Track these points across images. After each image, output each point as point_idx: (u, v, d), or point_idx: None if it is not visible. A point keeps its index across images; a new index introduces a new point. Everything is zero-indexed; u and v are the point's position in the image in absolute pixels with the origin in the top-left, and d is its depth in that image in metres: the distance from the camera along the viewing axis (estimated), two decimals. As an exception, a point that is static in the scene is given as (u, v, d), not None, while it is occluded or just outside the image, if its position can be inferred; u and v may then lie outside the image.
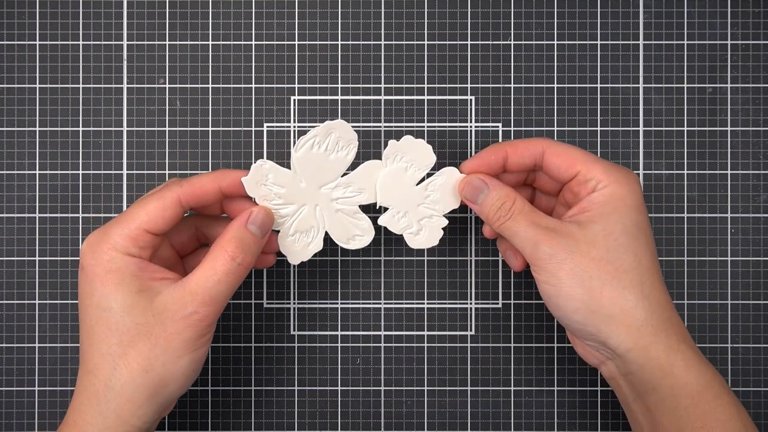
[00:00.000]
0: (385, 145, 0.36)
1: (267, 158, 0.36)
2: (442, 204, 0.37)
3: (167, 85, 0.41)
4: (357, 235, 0.37)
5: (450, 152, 0.41)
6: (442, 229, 0.38)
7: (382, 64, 0.42)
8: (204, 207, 0.36)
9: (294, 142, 0.41)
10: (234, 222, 0.34)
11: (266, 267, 0.38)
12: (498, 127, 0.42)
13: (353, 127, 0.36)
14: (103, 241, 0.33)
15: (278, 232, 0.36)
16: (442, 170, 0.37)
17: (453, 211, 0.37)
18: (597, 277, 0.33)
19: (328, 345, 0.42)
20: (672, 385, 0.33)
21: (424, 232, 0.38)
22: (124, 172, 0.41)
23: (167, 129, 0.41)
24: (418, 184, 0.37)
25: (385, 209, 0.37)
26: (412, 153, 0.36)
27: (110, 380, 0.32)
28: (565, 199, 0.36)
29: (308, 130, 0.35)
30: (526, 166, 0.36)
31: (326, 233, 0.37)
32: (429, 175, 0.37)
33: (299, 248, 0.37)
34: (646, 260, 0.33)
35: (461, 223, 0.42)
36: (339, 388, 0.42)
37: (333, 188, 0.36)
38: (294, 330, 0.42)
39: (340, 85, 0.41)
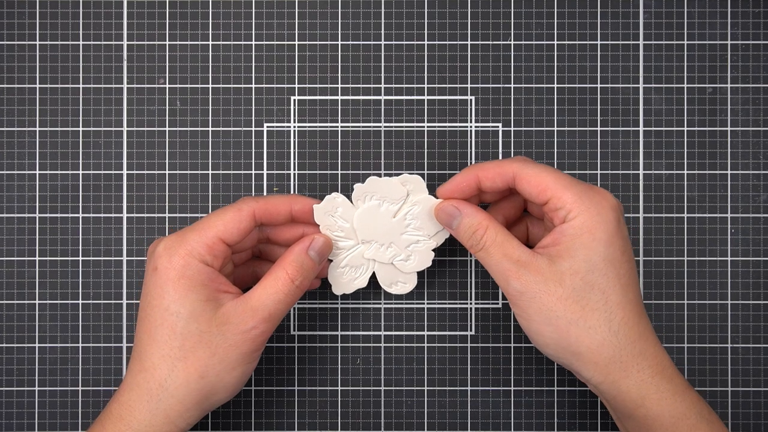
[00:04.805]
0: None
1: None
2: (425, 229, 0.38)
3: (167, 85, 0.41)
4: (400, 282, 0.39)
5: (450, 152, 0.41)
6: (433, 250, 0.38)
7: (382, 64, 0.42)
8: (272, 226, 0.38)
9: (294, 142, 0.41)
10: (296, 246, 0.36)
11: (311, 290, 0.39)
12: (498, 127, 0.42)
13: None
14: (181, 246, 0.34)
15: (330, 261, 0.38)
16: (417, 199, 0.37)
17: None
18: (563, 317, 0.33)
19: (328, 345, 0.42)
20: (645, 417, 0.33)
21: (414, 257, 0.38)
22: (124, 172, 0.41)
23: (167, 129, 0.41)
24: (395, 215, 0.37)
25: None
26: (380, 192, 0.37)
27: (166, 381, 0.33)
28: (548, 218, 0.36)
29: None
30: (500, 189, 0.36)
31: (373, 274, 0.39)
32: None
33: (345, 281, 0.39)
34: (616, 295, 0.33)
35: (461, 223, 0.42)
36: (339, 388, 0.42)
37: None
38: (294, 330, 0.42)
39: (340, 85, 0.41)
